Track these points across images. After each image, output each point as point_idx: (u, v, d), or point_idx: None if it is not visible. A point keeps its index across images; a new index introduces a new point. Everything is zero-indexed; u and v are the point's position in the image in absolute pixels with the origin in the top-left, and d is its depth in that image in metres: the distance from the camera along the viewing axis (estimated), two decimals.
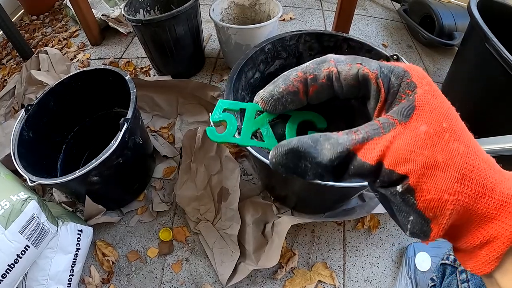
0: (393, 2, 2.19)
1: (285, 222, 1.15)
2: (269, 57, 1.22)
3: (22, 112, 1.27)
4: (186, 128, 1.48)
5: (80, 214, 1.35)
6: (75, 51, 2.09)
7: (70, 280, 1.19)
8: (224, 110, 0.32)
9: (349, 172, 0.25)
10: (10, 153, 1.43)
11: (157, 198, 1.33)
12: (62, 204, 1.35)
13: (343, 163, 0.25)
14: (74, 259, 1.20)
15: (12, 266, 1.04)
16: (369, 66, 0.26)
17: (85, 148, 1.46)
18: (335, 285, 1.17)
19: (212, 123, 0.31)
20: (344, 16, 1.53)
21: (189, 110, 1.52)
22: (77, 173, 1.03)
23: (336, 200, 1.17)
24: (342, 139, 0.24)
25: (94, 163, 1.02)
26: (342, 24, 1.55)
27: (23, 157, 1.13)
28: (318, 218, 1.20)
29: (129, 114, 1.09)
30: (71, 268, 1.20)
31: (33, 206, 1.06)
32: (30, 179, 1.07)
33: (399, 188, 0.24)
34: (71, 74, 1.31)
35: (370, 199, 1.25)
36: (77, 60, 2.02)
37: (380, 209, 1.22)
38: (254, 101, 0.30)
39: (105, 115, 1.45)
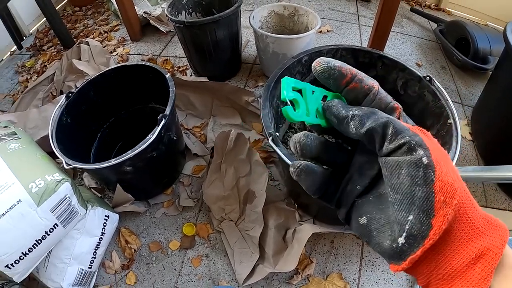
0: (429, 21, 2.12)
1: (307, 229, 1.12)
2: (305, 68, 1.20)
3: (62, 98, 1.27)
4: (218, 129, 1.46)
5: (108, 200, 1.34)
6: (115, 45, 2.10)
7: (92, 262, 1.18)
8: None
9: (378, 121, 0.26)
10: (46, 135, 1.43)
11: (185, 194, 1.32)
12: (92, 189, 1.33)
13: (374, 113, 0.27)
14: (98, 242, 1.19)
15: (39, 241, 1.02)
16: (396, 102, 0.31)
17: (118, 139, 1.46)
18: None
19: (288, 101, 0.30)
20: (381, 33, 1.51)
21: (223, 112, 1.51)
22: (113, 161, 1.01)
23: None
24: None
25: (130, 153, 1.00)
26: (378, 40, 1.52)
27: (60, 141, 1.12)
28: (339, 229, 1.16)
29: (167, 111, 1.07)
30: (94, 250, 1.18)
31: (66, 187, 1.04)
32: (66, 162, 1.05)
33: (425, 159, 0.23)
34: (113, 67, 1.31)
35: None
36: (117, 54, 2.02)
37: None
38: (314, 62, 0.30)
39: (141, 109, 1.44)
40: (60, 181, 1.04)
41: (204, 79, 1.49)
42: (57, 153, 1.08)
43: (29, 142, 1.21)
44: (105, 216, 1.20)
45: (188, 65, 1.82)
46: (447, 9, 2.24)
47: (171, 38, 2.14)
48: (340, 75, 0.29)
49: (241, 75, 1.79)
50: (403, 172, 0.24)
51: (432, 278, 0.25)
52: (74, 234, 1.14)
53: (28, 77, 2.03)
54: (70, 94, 1.24)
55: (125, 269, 1.22)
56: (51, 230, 1.04)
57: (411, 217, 0.24)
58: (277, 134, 0.92)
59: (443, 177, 0.23)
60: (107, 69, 1.30)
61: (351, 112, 0.28)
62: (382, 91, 0.31)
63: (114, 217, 1.24)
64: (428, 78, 1.09)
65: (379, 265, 1.18)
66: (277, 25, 1.66)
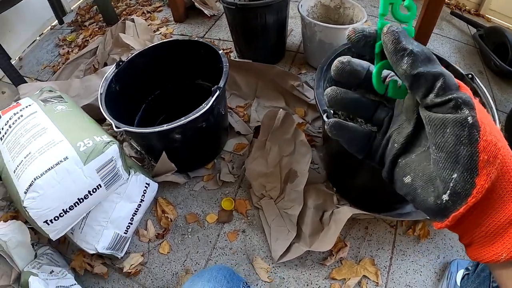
0: (468, 26, 1.93)
1: (345, 211, 0.98)
2: (354, 56, 1.04)
3: (109, 68, 1.12)
4: (262, 110, 1.29)
5: (147, 170, 1.16)
6: (158, 25, 1.91)
7: (128, 227, 1.01)
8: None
9: (437, 67, 0.23)
10: (88, 104, 1.26)
11: (226, 169, 1.16)
12: (132, 158, 1.16)
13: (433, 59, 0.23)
14: (136, 209, 1.02)
15: (81, 200, 0.87)
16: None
17: (161, 112, 1.29)
18: (378, 283, 0.98)
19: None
20: (423, 33, 1.36)
21: (267, 95, 1.34)
22: (165, 126, 0.85)
23: (395, 199, 0.98)
24: None
25: (183, 120, 0.85)
26: (420, 39, 1.37)
27: (108, 106, 0.95)
28: (376, 214, 1.01)
29: (221, 83, 0.93)
30: (131, 216, 1.02)
31: (113, 149, 0.88)
32: (116, 125, 0.88)
33: (470, 118, 0.21)
34: (164, 40, 1.16)
35: None
36: (160, 33, 1.84)
37: None
38: (349, 31, 0.26)
39: (187, 85, 1.28)
40: (109, 142, 0.87)
41: (248, 61, 1.31)
42: (106, 115, 0.92)
43: (76, 107, 1.04)
44: (146, 183, 1.03)
45: (233, 48, 1.63)
46: (487, 15, 2.02)
47: (214, 22, 1.92)
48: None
49: (284, 61, 1.60)
50: (448, 131, 0.22)
51: (475, 236, 0.23)
52: (114, 197, 0.97)
53: (70, 50, 1.86)
54: (121, 63, 1.08)
55: (160, 238, 1.05)
56: (94, 190, 0.88)
57: (455, 175, 0.22)
58: (331, 111, 0.82)
59: (487, 137, 0.21)
60: (159, 42, 1.13)
61: (410, 47, 0.23)
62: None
63: (154, 186, 1.07)
64: (470, 76, 0.97)
65: (409, 255, 1.04)
66: (322, 16, 1.49)
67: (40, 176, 0.79)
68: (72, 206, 0.85)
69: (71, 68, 1.62)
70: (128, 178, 0.97)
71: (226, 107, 1.13)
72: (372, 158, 0.29)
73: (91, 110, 1.13)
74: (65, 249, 1.08)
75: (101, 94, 1.00)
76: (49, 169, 0.80)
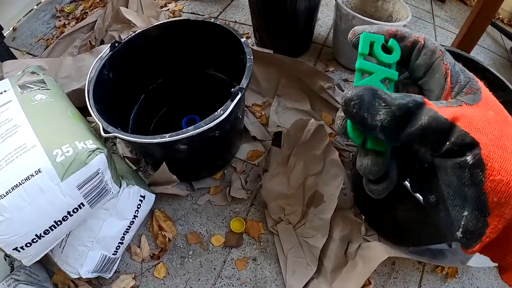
0: (503, 36, 1.70)
1: (378, 250, 0.80)
2: None
3: (104, 47, 0.90)
4: (282, 112, 1.08)
5: (143, 175, 0.99)
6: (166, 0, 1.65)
7: (117, 248, 0.85)
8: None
9: (416, 126, 0.18)
10: (79, 89, 1.06)
11: (238, 183, 0.96)
12: (126, 159, 0.97)
13: (411, 114, 0.18)
14: (128, 227, 0.85)
15: (59, 223, 0.70)
16: (445, 58, 0.22)
17: (163, 104, 1.08)
18: None
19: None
20: (472, 36, 1.12)
21: (290, 94, 1.12)
22: (167, 137, 0.66)
23: (434, 235, 0.80)
24: (416, 96, 0.19)
25: (192, 131, 0.65)
26: (466, 44, 1.14)
27: (97, 99, 0.76)
28: (414, 256, 0.82)
29: (244, 83, 0.72)
30: (122, 235, 0.85)
31: (100, 160, 0.70)
32: (104, 129, 0.69)
33: (469, 159, 0.18)
34: (173, 19, 0.93)
35: (457, 245, 0.89)
36: (168, 9, 1.60)
37: (475, 262, 0.85)
38: (350, 34, 0.23)
39: (196, 74, 1.06)
40: (94, 151, 0.69)
41: (270, 51, 1.09)
42: (94, 115, 0.73)
43: (60, 95, 0.84)
44: (141, 196, 0.85)
45: (251, 33, 1.40)
46: None
47: (231, 1, 1.66)
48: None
49: (309, 55, 1.37)
50: (449, 171, 0.19)
51: (506, 262, 0.21)
52: (101, 214, 0.80)
53: (66, 23, 1.63)
54: (117, 44, 0.87)
55: (155, 259, 0.89)
56: (75, 210, 0.70)
57: (465, 213, 0.19)
58: None
59: (495, 176, 0.17)
60: (166, 20, 0.91)
61: (378, 120, 0.18)
62: (430, 43, 0.22)
63: (150, 198, 0.89)
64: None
65: None
66: (358, 7, 1.25)
67: (4, 195, 0.61)
68: (47, 230, 0.68)
69: (65, 44, 1.41)
70: (119, 191, 0.79)
71: (244, 109, 0.93)
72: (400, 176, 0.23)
73: (82, 97, 0.93)
74: (46, 258, 0.91)
75: (89, 80, 0.80)
76: (16, 186, 0.62)
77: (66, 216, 0.70)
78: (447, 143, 0.18)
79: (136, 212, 0.85)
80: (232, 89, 0.67)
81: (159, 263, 0.88)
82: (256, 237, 0.90)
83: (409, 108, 0.18)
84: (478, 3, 1.07)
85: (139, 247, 0.90)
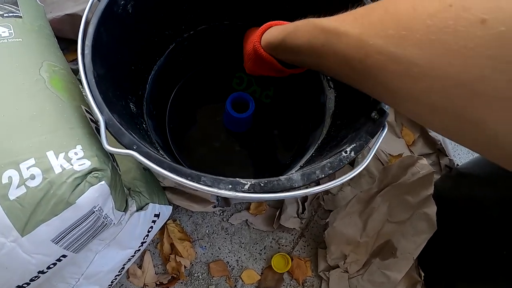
0: None
1: None
2: None
3: None
4: None
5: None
6: None
7: (113, 281, 0.55)
8: None
9: None
10: (73, 14, 0.64)
11: (293, 208, 0.65)
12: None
13: None
14: (131, 255, 0.55)
15: (27, 284, 0.37)
16: None
17: (198, 62, 0.67)
18: None
19: None
20: None
21: None
22: (232, 192, 0.32)
23: None
24: None
25: (294, 192, 0.31)
26: None
27: (100, 51, 0.38)
28: None
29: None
30: (122, 266, 0.54)
31: (99, 192, 0.36)
32: (106, 142, 0.34)
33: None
34: None
35: None
36: None
37: None
38: None
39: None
40: (88, 174, 0.34)
41: None
42: (95, 110, 0.35)
43: (37, 35, 0.45)
44: (154, 216, 0.54)
45: None
46: None
47: None
48: None
49: None
50: None
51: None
52: (92, 245, 0.49)
53: None
54: None
55: None
56: (52, 265, 0.40)
57: None
58: None
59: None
60: None
61: None
62: None
63: (166, 212, 0.59)
64: None
65: None
66: None
67: None
68: None
69: None
70: (121, 218, 0.47)
71: None
72: None
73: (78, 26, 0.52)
74: None
75: (91, 8, 0.41)
76: None
77: (36, 276, 0.39)
78: None
79: (146, 237, 0.55)
80: (373, 114, 0.33)
81: None
82: (300, 280, 0.63)
83: None
84: None
85: (140, 268, 0.62)
